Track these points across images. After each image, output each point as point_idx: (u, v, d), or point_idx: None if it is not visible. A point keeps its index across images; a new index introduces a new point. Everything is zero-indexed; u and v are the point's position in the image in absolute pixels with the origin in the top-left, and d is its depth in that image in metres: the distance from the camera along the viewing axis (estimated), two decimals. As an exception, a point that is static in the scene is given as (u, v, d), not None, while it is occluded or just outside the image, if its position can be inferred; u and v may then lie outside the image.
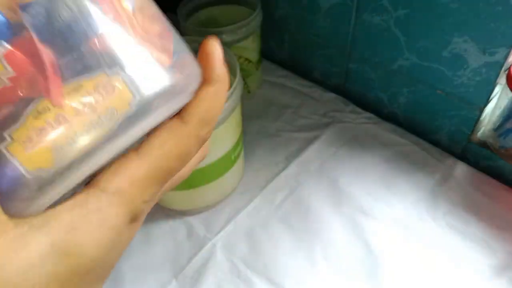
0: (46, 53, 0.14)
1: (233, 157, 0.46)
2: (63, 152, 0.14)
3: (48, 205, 0.15)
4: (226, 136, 0.43)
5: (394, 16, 0.48)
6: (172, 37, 0.18)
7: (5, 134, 0.14)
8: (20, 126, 0.14)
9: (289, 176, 0.51)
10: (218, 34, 0.53)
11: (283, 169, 0.52)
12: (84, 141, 0.15)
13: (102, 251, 0.15)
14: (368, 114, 0.58)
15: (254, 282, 0.42)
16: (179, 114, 0.18)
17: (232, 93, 0.39)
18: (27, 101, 0.14)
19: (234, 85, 0.38)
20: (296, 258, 0.44)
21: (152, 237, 0.46)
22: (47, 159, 0.14)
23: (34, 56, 0.14)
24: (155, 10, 0.18)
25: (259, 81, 0.65)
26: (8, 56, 0.14)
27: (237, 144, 0.45)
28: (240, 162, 0.49)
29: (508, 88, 0.44)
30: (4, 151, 0.14)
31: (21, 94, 0.14)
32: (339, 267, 0.43)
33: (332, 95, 0.61)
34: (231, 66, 0.40)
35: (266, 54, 0.67)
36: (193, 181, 0.44)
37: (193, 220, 0.48)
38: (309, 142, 0.55)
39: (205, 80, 0.18)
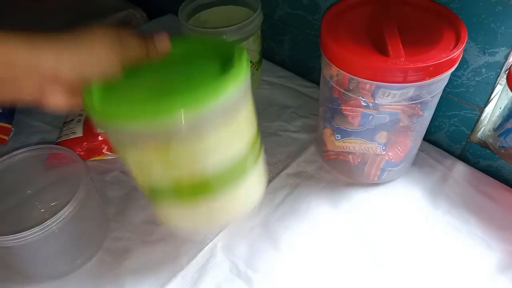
0: None
1: None
2: None
3: None
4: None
5: (394, 16, 0.48)
6: None
7: None
8: None
9: (289, 176, 0.52)
10: (219, 35, 0.53)
11: (283, 169, 0.52)
12: None
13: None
14: (368, 114, 0.58)
15: (254, 281, 0.42)
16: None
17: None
18: None
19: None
20: (296, 258, 0.44)
21: (153, 237, 0.46)
22: None
23: None
24: None
25: (259, 81, 0.65)
26: None
27: None
28: None
29: (508, 88, 0.44)
30: None
31: None
32: (339, 266, 0.43)
33: (332, 95, 0.61)
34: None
35: (266, 54, 0.67)
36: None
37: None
38: (309, 142, 0.55)
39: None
